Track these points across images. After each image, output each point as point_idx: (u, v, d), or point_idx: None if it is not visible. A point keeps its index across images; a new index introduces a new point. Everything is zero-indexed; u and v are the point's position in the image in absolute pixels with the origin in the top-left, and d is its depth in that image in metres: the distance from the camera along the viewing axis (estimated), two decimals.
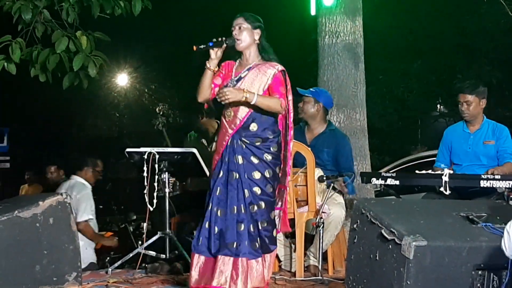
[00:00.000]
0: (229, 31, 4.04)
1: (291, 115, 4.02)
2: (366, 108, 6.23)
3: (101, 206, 8.13)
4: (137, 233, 7.68)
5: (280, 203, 4.08)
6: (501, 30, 12.19)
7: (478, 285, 3.12)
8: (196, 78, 4.12)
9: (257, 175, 3.90)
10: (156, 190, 4.82)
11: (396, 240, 3.16)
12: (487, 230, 3.24)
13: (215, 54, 3.97)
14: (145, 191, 4.74)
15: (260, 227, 3.88)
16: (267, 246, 3.92)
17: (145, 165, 4.72)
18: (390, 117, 14.36)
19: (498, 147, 4.83)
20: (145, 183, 4.72)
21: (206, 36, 4.08)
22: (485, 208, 3.61)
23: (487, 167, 4.76)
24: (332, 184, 4.70)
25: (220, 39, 3.95)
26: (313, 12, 6.26)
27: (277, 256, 4.85)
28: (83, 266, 5.22)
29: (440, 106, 16.17)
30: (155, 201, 4.76)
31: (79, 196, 6.06)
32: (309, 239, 4.80)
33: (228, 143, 3.95)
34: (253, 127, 3.93)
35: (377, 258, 3.33)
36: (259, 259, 3.88)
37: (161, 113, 18.70)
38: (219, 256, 3.82)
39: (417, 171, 4.69)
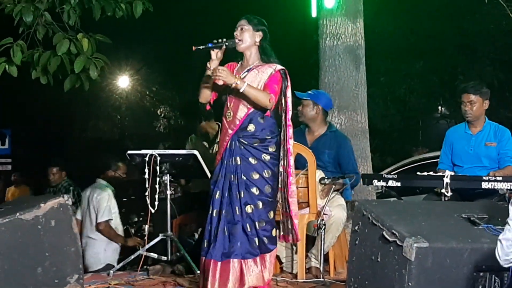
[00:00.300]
0: (231, 33, 4.08)
1: (290, 113, 4.04)
2: (368, 110, 6.24)
3: None
4: (138, 235, 7.68)
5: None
6: (502, 31, 12.19)
7: (480, 286, 3.11)
8: (197, 79, 4.14)
9: (255, 175, 3.94)
10: (157, 192, 4.83)
11: (397, 241, 3.16)
12: (489, 232, 3.23)
13: (216, 55, 4.03)
14: (146, 193, 4.75)
15: (257, 227, 3.92)
16: (265, 246, 3.95)
17: (146, 167, 4.72)
18: (392, 118, 14.37)
19: (499, 149, 4.82)
20: (147, 185, 4.73)
21: (207, 37, 4.11)
22: (486, 209, 3.61)
23: (489, 169, 4.75)
24: (334, 186, 4.70)
25: (220, 40, 4.01)
26: (314, 14, 6.26)
27: (278, 258, 4.85)
28: (100, 267, 5.27)
29: (441, 108, 16.17)
30: (156, 203, 4.78)
31: (99, 197, 6.17)
32: (310, 241, 4.79)
33: (228, 145, 4.01)
34: (251, 127, 3.98)
35: (379, 259, 3.32)
36: (257, 258, 3.91)
37: (162, 115, 18.73)
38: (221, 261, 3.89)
39: (418, 173, 4.69)
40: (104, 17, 5.75)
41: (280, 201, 4.12)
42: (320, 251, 4.60)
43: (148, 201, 4.73)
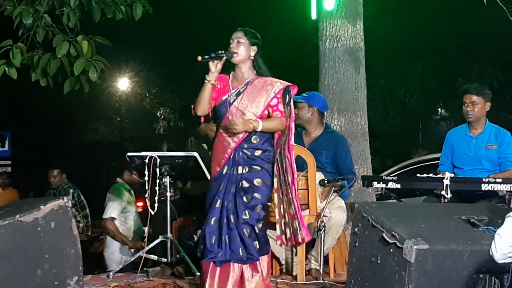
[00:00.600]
0: (230, 34, 4.09)
1: (293, 120, 4.11)
2: (368, 112, 6.23)
3: None
4: None
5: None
6: (502, 33, 12.18)
7: None
8: (197, 81, 4.14)
9: (258, 182, 3.99)
10: (157, 194, 4.83)
11: (397, 243, 3.16)
12: (489, 234, 3.23)
13: (215, 67, 4.01)
14: (146, 195, 4.76)
15: (257, 231, 3.96)
16: (266, 247, 4.04)
17: (146, 169, 4.72)
18: (392, 120, 14.36)
19: (500, 153, 4.82)
20: (147, 187, 4.73)
21: (206, 39, 4.11)
22: (486, 211, 3.61)
23: (489, 171, 4.75)
24: (333, 188, 4.70)
25: (220, 52, 4.02)
26: (314, 16, 6.26)
27: (278, 260, 4.86)
28: (119, 267, 5.27)
29: (441, 110, 16.17)
30: (156, 205, 4.78)
31: (110, 195, 6.36)
32: (310, 243, 4.78)
33: (231, 157, 4.03)
34: (255, 139, 4.05)
35: (379, 261, 3.32)
36: (257, 263, 3.96)
37: (162, 117, 18.72)
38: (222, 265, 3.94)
39: (418, 175, 4.69)
40: (104, 19, 5.75)
41: (279, 202, 4.11)
42: (320, 253, 4.60)
43: (148, 203, 4.74)
